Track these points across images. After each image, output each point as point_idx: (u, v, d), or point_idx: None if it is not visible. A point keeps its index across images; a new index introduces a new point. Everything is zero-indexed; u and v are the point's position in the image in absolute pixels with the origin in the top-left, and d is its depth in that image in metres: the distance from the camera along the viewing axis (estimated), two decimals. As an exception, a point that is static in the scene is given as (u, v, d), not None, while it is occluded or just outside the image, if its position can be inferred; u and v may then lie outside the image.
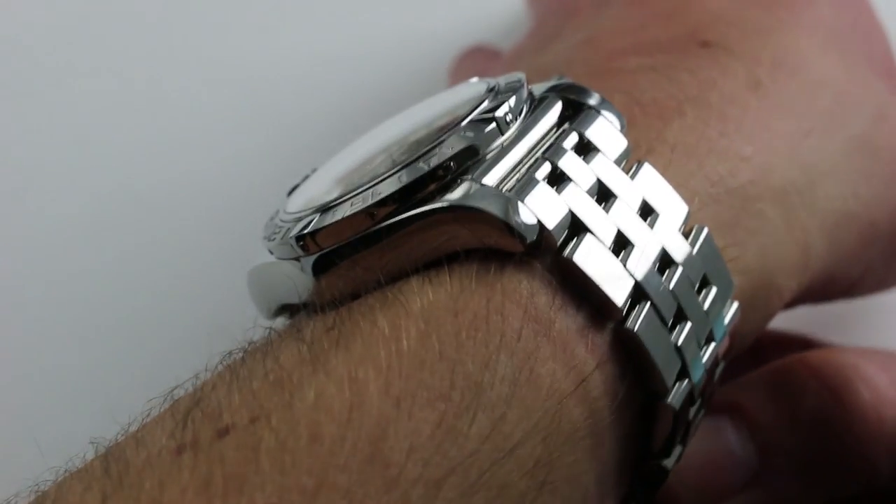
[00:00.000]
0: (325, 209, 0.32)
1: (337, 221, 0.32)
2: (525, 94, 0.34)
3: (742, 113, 0.38)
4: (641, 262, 0.31)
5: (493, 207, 0.29)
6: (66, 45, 0.60)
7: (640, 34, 0.43)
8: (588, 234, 0.31)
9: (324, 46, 0.60)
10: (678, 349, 0.32)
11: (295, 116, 0.56)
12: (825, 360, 0.38)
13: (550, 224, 0.30)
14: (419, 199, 0.31)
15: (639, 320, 0.31)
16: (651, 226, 0.32)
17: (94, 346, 0.50)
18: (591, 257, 0.30)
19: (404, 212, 0.31)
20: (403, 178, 0.31)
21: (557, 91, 0.35)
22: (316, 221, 0.32)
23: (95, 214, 0.55)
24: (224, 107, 0.59)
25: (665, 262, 0.32)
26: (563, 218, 0.31)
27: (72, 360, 0.49)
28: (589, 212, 0.31)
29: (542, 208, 0.30)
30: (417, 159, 0.32)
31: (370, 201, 0.31)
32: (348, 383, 0.27)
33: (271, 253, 0.34)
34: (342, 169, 0.36)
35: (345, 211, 0.32)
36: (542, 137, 0.33)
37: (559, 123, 0.34)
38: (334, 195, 0.33)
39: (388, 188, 0.31)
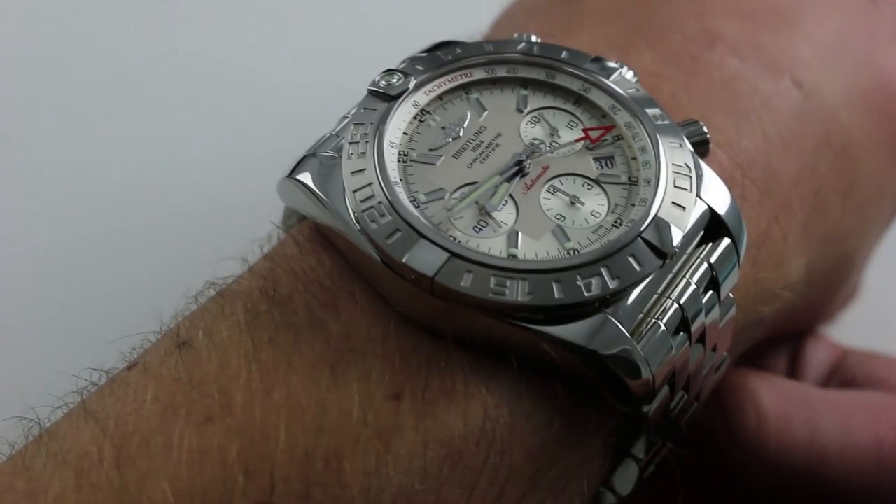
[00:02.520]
0: (460, 259, 0.29)
1: (467, 294, 0.29)
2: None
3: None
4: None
5: (627, 375, 0.30)
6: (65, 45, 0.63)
7: None
8: (666, 388, 0.32)
9: (323, 46, 0.61)
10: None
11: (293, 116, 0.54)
12: (727, 380, 0.41)
13: (656, 402, 0.31)
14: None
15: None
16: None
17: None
18: (658, 410, 0.32)
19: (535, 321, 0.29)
20: (562, 295, 0.29)
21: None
22: (446, 273, 0.29)
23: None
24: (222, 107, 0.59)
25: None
26: (666, 379, 0.31)
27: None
28: (681, 374, 0.32)
29: (658, 374, 0.30)
30: (576, 269, 0.29)
31: (511, 300, 0.29)
32: None
33: (363, 227, 0.30)
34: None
35: (482, 292, 0.29)
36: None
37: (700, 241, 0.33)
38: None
39: (533, 298, 0.29)
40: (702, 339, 0.33)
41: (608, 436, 0.32)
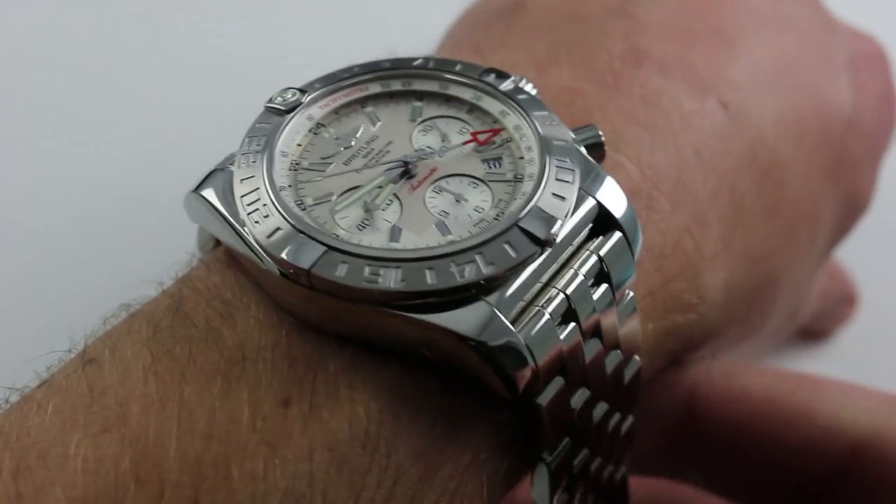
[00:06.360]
0: (336, 252, 0.30)
1: (342, 283, 0.29)
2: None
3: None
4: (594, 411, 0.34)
5: (511, 366, 0.30)
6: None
7: None
8: (559, 380, 0.32)
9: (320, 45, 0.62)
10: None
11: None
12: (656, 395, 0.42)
13: (550, 393, 0.31)
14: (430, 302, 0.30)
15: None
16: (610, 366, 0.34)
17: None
18: (554, 402, 0.32)
19: (415, 310, 0.30)
20: (435, 281, 0.29)
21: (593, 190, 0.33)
22: (321, 265, 0.29)
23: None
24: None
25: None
26: (553, 368, 0.31)
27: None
28: (574, 367, 0.32)
29: (543, 363, 0.30)
30: (450, 256, 0.30)
31: (384, 287, 0.29)
32: None
33: (249, 229, 0.31)
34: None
35: (356, 280, 0.29)
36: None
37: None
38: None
39: (406, 285, 0.29)
40: (598, 335, 0.33)
41: (499, 432, 0.32)
